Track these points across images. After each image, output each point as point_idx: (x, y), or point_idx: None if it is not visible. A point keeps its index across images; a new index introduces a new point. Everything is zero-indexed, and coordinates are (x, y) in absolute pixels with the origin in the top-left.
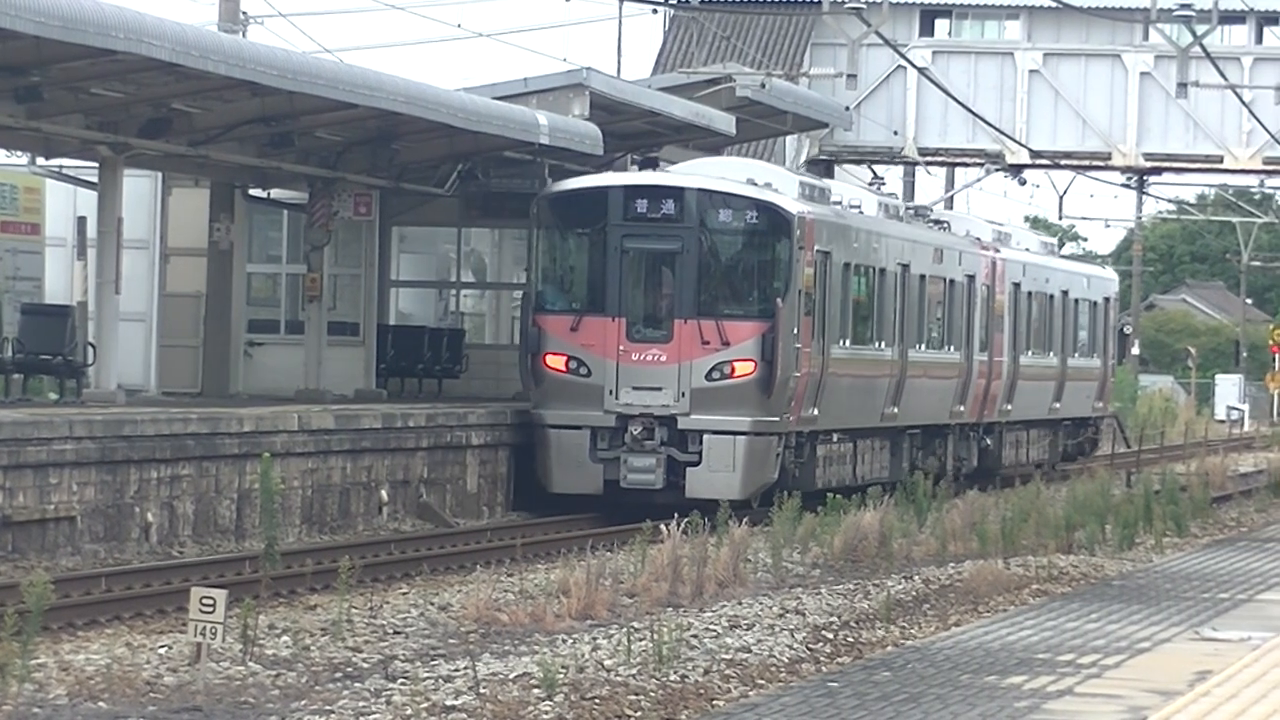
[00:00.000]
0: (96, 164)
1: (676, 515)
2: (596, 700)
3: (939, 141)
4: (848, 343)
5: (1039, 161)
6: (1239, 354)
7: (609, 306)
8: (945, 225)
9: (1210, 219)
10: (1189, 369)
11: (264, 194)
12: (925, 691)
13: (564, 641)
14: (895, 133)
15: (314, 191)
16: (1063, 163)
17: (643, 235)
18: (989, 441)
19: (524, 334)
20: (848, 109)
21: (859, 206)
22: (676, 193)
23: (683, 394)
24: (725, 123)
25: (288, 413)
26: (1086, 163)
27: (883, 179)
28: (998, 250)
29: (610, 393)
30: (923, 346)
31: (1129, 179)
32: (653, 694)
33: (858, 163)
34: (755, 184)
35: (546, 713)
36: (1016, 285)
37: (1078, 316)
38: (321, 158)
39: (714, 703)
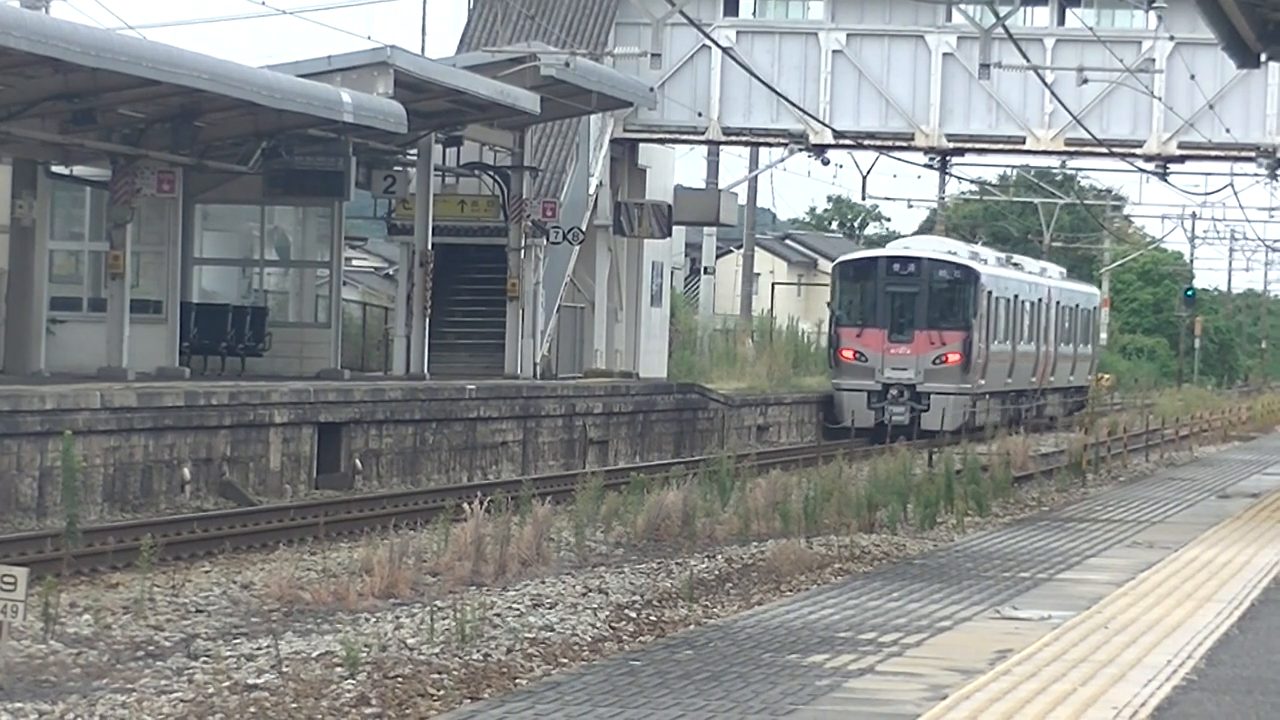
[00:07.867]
0: None
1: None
2: (399, 679)
3: (743, 121)
4: (996, 342)
5: (842, 142)
6: None
7: (879, 323)
8: (1019, 266)
9: (1012, 200)
10: None
11: (67, 171)
12: (727, 670)
13: (367, 620)
14: (700, 113)
15: (117, 169)
16: (866, 143)
17: (897, 283)
18: (1043, 399)
19: (829, 337)
20: (652, 89)
21: (987, 260)
22: (917, 260)
23: (919, 372)
24: (530, 101)
25: (90, 390)
26: (890, 143)
27: (982, 238)
28: (1048, 280)
29: (878, 371)
30: (1023, 343)
31: (932, 159)
32: (455, 672)
33: (661, 142)
34: (952, 253)
35: (349, 691)
36: (1058, 302)
37: (1081, 320)
38: (124, 135)
39: (517, 681)
